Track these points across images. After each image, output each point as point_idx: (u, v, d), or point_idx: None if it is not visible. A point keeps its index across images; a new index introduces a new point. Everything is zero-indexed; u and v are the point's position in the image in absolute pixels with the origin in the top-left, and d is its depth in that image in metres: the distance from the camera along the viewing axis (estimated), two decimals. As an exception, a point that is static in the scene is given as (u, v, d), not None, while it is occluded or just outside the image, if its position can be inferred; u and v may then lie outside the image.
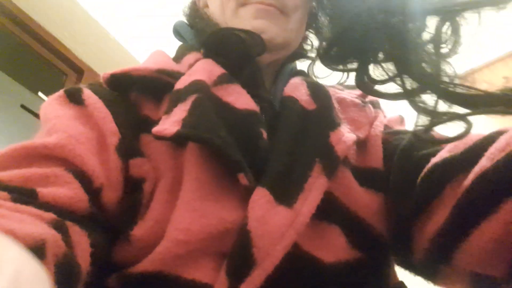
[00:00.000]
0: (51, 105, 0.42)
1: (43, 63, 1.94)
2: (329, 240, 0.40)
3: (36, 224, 0.28)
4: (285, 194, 0.38)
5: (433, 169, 0.39)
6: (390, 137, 0.48)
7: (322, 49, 0.49)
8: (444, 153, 0.39)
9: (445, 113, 0.36)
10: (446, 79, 0.36)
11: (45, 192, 0.33)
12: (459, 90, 0.35)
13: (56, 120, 0.39)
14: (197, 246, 0.36)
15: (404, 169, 0.43)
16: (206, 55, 0.49)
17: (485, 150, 0.35)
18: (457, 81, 0.36)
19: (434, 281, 0.41)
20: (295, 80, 0.51)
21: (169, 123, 0.39)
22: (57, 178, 0.34)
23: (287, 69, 0.55)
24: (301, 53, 0.58)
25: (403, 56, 0.39)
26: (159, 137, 0.39)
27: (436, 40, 0.38)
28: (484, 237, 0.33)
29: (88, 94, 0.43)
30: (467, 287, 0.37)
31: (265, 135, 0.42)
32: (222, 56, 0.48)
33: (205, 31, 0.51)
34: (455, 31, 0.38)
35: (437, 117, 0.37)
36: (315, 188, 0.39)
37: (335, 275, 0.38)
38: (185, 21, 0.58)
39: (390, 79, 0.40)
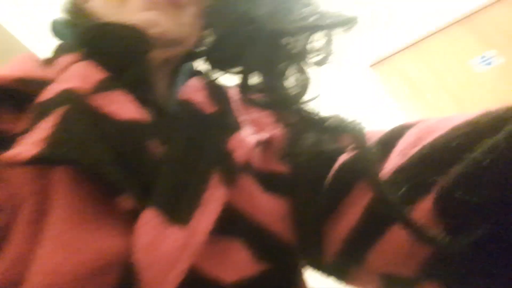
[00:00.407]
0: None
1: None
2: (230, 256, 0.36)
3: None
4: (180, 212, 0.33)
5: (341, 167, 0.39)
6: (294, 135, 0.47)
7: (207, 50, 0.48)
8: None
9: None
10: (295, 106, 0.41)
11: None
12: (310, 115, 0.41)
13: None
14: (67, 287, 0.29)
15: (310, 168, 0.42)
16: (85, 56, 0.42)
17: (393, 145, 0.36)
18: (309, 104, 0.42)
19: (346, 282, 0.40)
20: (193, 82, 0.47)
21: (29, 144, 0.31)
22: None
23: (185, 70, 0.50)
24: (199, 53, 0.52)
25: (267, 74, 0.41)
26: (12, 164, 0.31)
27: (303, 54, 0.42)
28: (398, 237, 0.32)
29: None
30: (379, 287, 0.37)
31: (155, 147, 0.37)
32: (103, 56, 0.41)
33: (83, 27, 0.44)
34: (328, 42, 0.42)
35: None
36: (213, 200, 0.34)
37: None
38: (65, 18, 0.50)
39: (264, 90, 0.42)
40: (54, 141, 0.32)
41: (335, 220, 0.38)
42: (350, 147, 0.39)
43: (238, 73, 0.45)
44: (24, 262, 0.30)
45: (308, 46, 0.42)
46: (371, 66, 2.59)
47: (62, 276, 0.29)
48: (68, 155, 0.31)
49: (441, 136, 0.33)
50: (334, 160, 0.41)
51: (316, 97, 0.44)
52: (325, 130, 0.41)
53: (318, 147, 0.43)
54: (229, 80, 0.50)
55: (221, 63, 0.46)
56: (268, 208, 0.40)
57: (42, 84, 0.38)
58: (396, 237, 0.33)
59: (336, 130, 0.40)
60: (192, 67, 0.53)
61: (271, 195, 0.41)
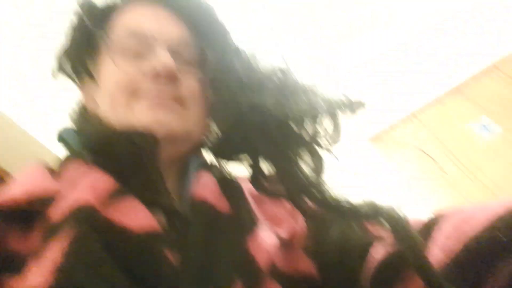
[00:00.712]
0: None
1: None
2: None
3: None
4: None
5: (380, 269, 0.38)
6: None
7: (212, 144, 0.49)
8: (384, 246, 0.38)
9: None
10: (313, 188, 0.40)
11: None
12: (327, 196, 0.40)
13: None
14: None
15: (341, 265, 0.41)
16: (93, 163, 0.43)
17: (429, 235, 0.35)
18: (324, 186, 0.41)
19: None
20: (204, 178, 0.46)
21: (38, 274, 0.31)
22: None
23: (193, 163, 0.50)
24: (205, 145, 0.53)
25: (280, 161, 0.41)
26: None
27: (313, 137, 0.42)
28: None
29: None
30: None
31: (171, 257, 0.36)
32: (112, 163, 0.42)
33: (93, 136, 0.46)
34: (335, 123, 0.43)
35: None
36: None
37: None
38: (73, 127, 0.51)
39: (277, 178, 0.42)
40: (65, 272, 0.31)
41: None
42: (388, 237, 0.38)
43: (245, 161, 0.45)
44: None
45: (317, 129, 0.42)
46: (371, 140, 2.60)
47: None
48: (78, 286, 0.31)
49: (485, 229, 0.32)
50: (365, 252, 0.39)
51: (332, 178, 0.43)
52: (357, 218, 0.40)
53: (346, 241, 0.41)
54: (236, 168, 0.50)
55: (228, 153, 0.46)
56: None
57: (52, 200, 0.38)
58: None
59: (370, 218, 0.38)
60: (199, 159, 0.53)
61: None
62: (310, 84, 0.44)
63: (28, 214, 0.38)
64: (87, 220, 0.35)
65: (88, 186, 0.39)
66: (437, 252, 0.34)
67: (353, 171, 2.39)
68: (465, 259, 0.32)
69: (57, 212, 0.36)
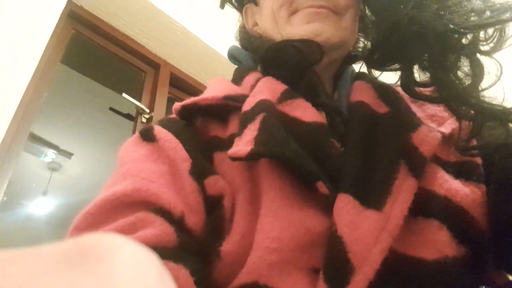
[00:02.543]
0: (127, 147, 0.46)
1: (121, 64, 1.99)
2: (429, 236, 0.37)
3: None
4: (371, 199, 0.37)
5: None
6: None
7: (366, 52, 0.51)
8: None
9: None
10: (473, 99, 0.40)
11: (134, 238, 0.34)
12: (490, 106, 0.39)
13: (130, 164, 0.42)
14: (288, 256, 0.36)
15: (508, 164, 0.41)
16: (265, 73, 0.51)
17: None
18: (485, 96, 0.40)
19: None
20: (360, 84, 0.50)
21: (242, 144, 0.41)
22: (142, 222, 0.36)
23: (347, 73, 0.55)
24: (356, 56, 0.57)
25: (436, 70, 0.42)
26: (235, 159, 0.40)
27: (475, 46, 0.41)
28: None
29: (158, 130, 0.46)
30: None
31: (336, 144, 0.43)
32: (280, 69, 0.49)
33: (260, 48, 0.52)
34: (500, 31, 0.41)
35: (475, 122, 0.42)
36: (404, 190, 0.37)
37: (441, 272, 0.36)
38: (238, 45, 0.61)
39: (431, 84, 0.43)
40: (261, 140, 0.40)
41: None
42: None
43: (398, 70, 0.47)
44: (250, 233, 0.37)
45: (479, 38, 0.42)
46: None
47: (283, 243, 0.35)
48: (272, 150, 0.39)
49: None
50: None
51: (492, 86, 0.42)
52: (509, 122, 0.40)
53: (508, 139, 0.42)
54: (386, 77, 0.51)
55: (381, 63, 0.49)
56: (463, 193, 0.40)
57: (241, 98, 0.48)
58: None
59: None
60: (353, 70, 0.57)
61: (465, 182, 0.41)
62: None
63: (222, 112, 0.48)
64: (269, 108, 0.43)
65: (265, 88, 0.47)
66: None
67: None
68: None
69: (247, 106, 0.45)
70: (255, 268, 0.35)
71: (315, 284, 0.35)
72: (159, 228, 0.36)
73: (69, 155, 3.03)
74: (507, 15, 0.40)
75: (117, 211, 0.38)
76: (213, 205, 0.41)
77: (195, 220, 0.39)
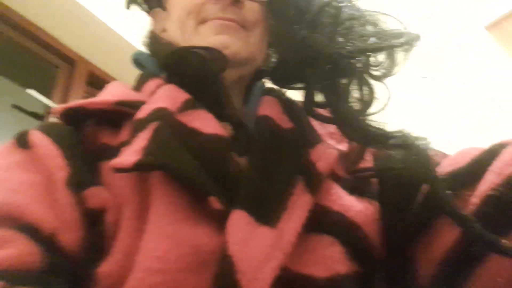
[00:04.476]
0: None
1: (29, 56, 1.81)
2: (322, 252, 0.37)
3: None
4: (266, 214, 0.36)
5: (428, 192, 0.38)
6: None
7: (270, 69, 0.52)
8: (445, 167, 0.39)
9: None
10: (359, 122, 0.41)
11: None
12: (373, 131, 0.41)
13: None
14: (174, 277, 0.33)
15: (400, 184, 0.42)
16: (167, 80, 0.48)
17: (489, 164, 0.35)
18: (372, 121, 0.42)
19: None
20: (267, 99, 0.50)
21: (129, 154, 0.38)
22: (2, 240, 0.32)
23: (257, 88, 0.55)
24: (266, 71, 0.57)
25: (328, 93, 0.43)
26: (119, 170, 0.37)
27: (365, 71, 0.42)
28: (503, 261, 0.31)
29: (34, 135, 0.41)
30: None
31: (235, 158, 0.41)
32: (182, 77, 0.47)
33: (165, 55, 0.50)
34: (390, 56, 0.42)
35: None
36: (299, 206, 0.37)
37: None
38: (145, 51, 0.58)
39: (327, 106, 0.44)
40: (150, 150, 0.37)
41: (427, 241, 0.37)
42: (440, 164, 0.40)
43: (300, 89, 0.47)
44: (133, 252, 0.34)
45: (371, 62, 0.43)
46: (487, 28, 2.26)
47: (169, 262, 0.33)
48: (161, 161, 0.36)
49: None
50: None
51: (381, 111, 0.43)
52: (389, 147, 0.42)
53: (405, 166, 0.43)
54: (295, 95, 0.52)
55: (284, 81, 0.50)
56: (357, 208, 0.40)
57: (136, 105, 0.44)
58: (496, 265, 0.32)
59: (399, 148, 0.40)
60: (262, 85, 0.57)
61: (359, 198, 0.42)
62: (371, 15, 0.44)
63: (116, 118, 0.45)
64: (165, 117, 0.41)
65: (165, 96, 0.44)
66: (492, 177, 0.33)
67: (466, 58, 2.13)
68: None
69: (141, 114, 0.42)
70: None
71: None
72: (20, 248, 0.32)
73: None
74: (393, 41, 0.41)
75: None
76: (93, 220, 0.37)
77: (70, 237, 0.35)
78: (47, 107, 1.66)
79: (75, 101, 0.45)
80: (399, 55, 0.43)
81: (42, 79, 1.86)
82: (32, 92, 1.60)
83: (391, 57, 0.43)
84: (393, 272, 0.41)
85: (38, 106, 1.69)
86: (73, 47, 1.93)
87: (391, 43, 0.41)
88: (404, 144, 0.39)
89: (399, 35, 0.42)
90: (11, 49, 1.78)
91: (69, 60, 1.92)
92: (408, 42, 0.41)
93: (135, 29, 1.90)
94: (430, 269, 0.37)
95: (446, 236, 0.35)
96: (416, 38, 0.41)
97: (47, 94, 1.73)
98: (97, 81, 2.00)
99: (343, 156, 0.45)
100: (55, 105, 1.69)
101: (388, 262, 0.41)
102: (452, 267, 0.35)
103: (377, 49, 0.42)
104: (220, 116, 0.45)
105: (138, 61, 0.57)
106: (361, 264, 0.38)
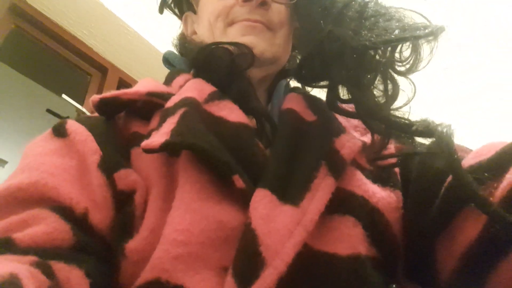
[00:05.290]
0: (34, 142, 0.43)
1: (64, 64, 1.89)
2: (343, 231, 0.37)
3: (7, 264, 0.28)
4: (289, 194, 0.37)
5: (450, 185, 0.38)
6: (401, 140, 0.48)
7: (295, 69, 0.52)
8: (469, 160, 0.38)
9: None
10: (383, 113, 0.42)
11: (22, 236, 0.32)
12: (396, 120, 0.41)
13: (32, 158, 0.40)
14: (197, 250, 0.34)
15: (424, 177, 0.41)
16: (196, 75, 0.51)
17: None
18: (396, 112, 0.42)
19: None
20: (292, 95, 0.51)
21: (158, 136, 0.39)
22: (34, 219, 0.34)
23: (281, 86, 0.56)
24: (291, 71, 0.58)
25: (352, 87, 0.43)
26: (148, 151, 0.38)
27: (390, 65, 0.43)
28: None
29: (71, 124, 0.43)
30: None
31: (260, 144, 0.42)
32: (211, 72, 0.49)
33: (193, 51, 0.52)
34: (415, 50, 0.43)
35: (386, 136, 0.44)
36: (322, 188, 0.38)
37: (353, 268, 0.36)
38: (175, 51, 0.60)
39: (350, 101, 0.44)
40: (177, 132, 0.38)
41: (451, 234, 0.36)
42: (466, 157, 0.39)
43: (324, 87, 0.48)
44: (159, 229, 0.35)
45: (395, 56, 0.43)
46: None
47: (193, 235, 0.34)
48: (188, 141, 0.37)
49: None
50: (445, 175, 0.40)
51: (407, 104, 0.44)
52: (412, 134, 0.42)
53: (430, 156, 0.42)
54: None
55: (309, 79, 0.50)
56: (380, 195, 0.41)
57: (166, 96, 0.46)
58: None
59: (422, 135, 0.40)
60: (287, 84, 0.58)
61: (381, 187, 0.42)
62: (397, 11, 0.44)
63: (147, 109, 0.47)
64: (192, 104, 0.42)
65: (193, 88, 0.46)
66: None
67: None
68: None
69: (170, 103, 0.44)
70: (158, 262, 0.33)
71: (223, 284, 0.33)
72: (52, 226, 0.33)
73: (2, 162, 2.81)
74: (417, 32, 0.41)
75: (11, 207, 0.35)
76: (123, 201, 0.38)
77: (101, 217, 0.37)
78: (80, 111, 1.73)
79: (110, 92, 0.47)
80: (424, 50, 0.42)
81: (75, 86, 1.94)
82: (66, 97, 1.66)
83: (416, 51, 0.43)
84: (412, 264, 0.41)
85: (71, 111, 1.76)
86: (105, 56, 2.00)
87: (415, 34, 0.41)
88: (427, 130, 0.38)
89: (423, 27, 0.42)
90: (47, 57, 1.87)
91: (102, 68, 1.99)
92: (433, 32, 0.41)
93: (164, 38, 1.96)
94: (451, 262, 0.36)
95: (469, 229, 0.34)
96: (441, 29, 0.41)
97: (79, 100, 1.79)
98: (126, 87, 2.06)
99: (366, 147, 0.45)
100: (87, 111, 1.74)
101: (406, 254, 0.40)
102: (474, 261, 0.34)
103: (401, 39, 0.41)
104: (245, 110, 0.45)
105: (168, 60, 0.60)
106: (381, 251, 0.38)
